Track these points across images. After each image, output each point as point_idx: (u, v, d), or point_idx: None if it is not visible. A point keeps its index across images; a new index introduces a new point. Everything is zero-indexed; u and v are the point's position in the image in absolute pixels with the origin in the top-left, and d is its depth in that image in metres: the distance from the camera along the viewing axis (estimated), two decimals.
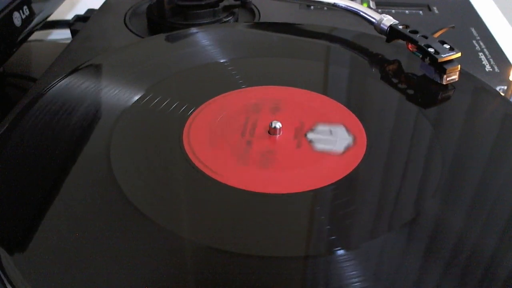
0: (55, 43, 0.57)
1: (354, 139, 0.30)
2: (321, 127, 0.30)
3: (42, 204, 0.26)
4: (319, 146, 0.29)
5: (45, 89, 0.34)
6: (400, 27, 0.38)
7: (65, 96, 0.33)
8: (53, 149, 0.29)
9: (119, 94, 0.34)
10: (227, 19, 0.47)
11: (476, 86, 0.36)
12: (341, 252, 0.23)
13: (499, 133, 0.32)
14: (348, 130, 0.30)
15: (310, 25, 0.44)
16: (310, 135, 0.30)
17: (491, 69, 0.42)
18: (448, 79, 0.35)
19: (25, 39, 0.44)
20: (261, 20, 0.49)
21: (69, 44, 0.45)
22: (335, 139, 0.30)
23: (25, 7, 0.43)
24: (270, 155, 0.29)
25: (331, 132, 0.30)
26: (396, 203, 0.27)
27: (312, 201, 0.27)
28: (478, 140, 0.31)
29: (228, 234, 0.25)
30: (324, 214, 0.26)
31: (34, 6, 0.45)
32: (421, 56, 0.36)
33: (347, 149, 0.29)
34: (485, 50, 0.44)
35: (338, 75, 0.38)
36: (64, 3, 0.52)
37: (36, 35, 0.53)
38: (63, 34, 0.57)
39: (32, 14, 0.44)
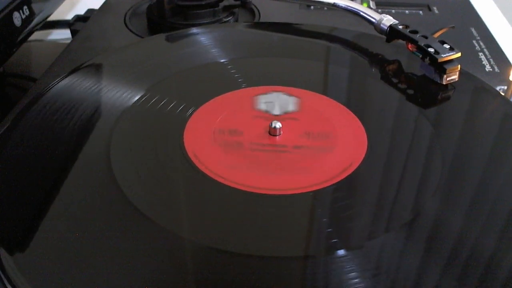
0: (55, 43, 0.57)
1: (298, 109, 0.30)
2: (264, 98, 0.30)
3: (42, 204, 0.26)
4: (276, 112, 0.30)
5: (45, 89, 0.34)
6: (400, 27, 0.38)
7: (65, 96, 0.33)
8: (53, 149, 0.29)
9: (119, 94, 0.34)
10: (227, 19, 0.47)
11: (476, 86, 0.36)
12: (341, 252, 0.23)
13: (499, 133, 0.32)
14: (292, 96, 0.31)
15: (310, 25, 0.44)
16: (261, 106, 0.30)
17: (491, 69, 0.42)
18: (448, 79, 0.35)
19: (25, 39, 0.44)
20: (261, 20, 0.49)
21: (69, 44, 0.45)
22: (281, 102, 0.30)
23: (25, 7, 0.43)
24: (270, 155, 0.29)
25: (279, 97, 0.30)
26: (396, 203, 0.27)
27: (312, 201, 0.27)
28: (478, 140, 0.31)
29: (228, 234, 0.25)
30: (324, 214, 0.26)
31: (34, 6, 0.45)
32: (421, 56, 0.36)
33: (298, 104, 0.30)
34: (485, 50, 0.44)
35: (338, 75, 0.38)
36: (64, 3, 0.52)
37: (36, 35, 0.53)
38: (63, 34, 0.57)
39: (32, 14, 0.44)
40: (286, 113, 0.30)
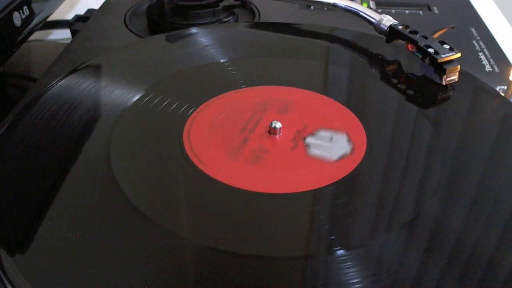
0: (55, 43, 0.57)
1: (353, 149, 0.30)
2: (322, 133, 0.30)
3: (42, 204, 0.26)
4: (314, 151, 0.29)
5: (45, 89, 0.34)
6: (400, 27, 0.38)
7: (65, 96, 0.33)
8: (53, 149, 0.29)
9: (119, 94, 0.34)
10: (227, 19, 0.47)
11: (476, 86, 0.36)
12: (341, 252, 0.23)
13: (499, 133, 0.32)
14: (349, 139, 0.30)
15: (310, 25, 0.44)
16: (309, 140, 0.30)
17: (491, 69, 0.42)
18: (448, 79, 0.35)
19: (25, 39, 0.44)
20: (261, 20, 0.49)
21: (69, 44, 0.45)
22: (333, 146, 0.30)
23: (25, 7, 0.43)
24: (270, 155, 0.29)
25: (331, 139, 0.30)
26: (396, 203, 0.27)
27: (312, 201, 0.27)
28: (478, 140, 0.31)
29: (228, 234, 0.25)
30: (324, 214, 0.26)
31: (34, 6, 0.45)
32: (420, 56, 0.36)
33: (342, 157, 0.29)
34: (485, 50, 0.44)
35: (338, 75, 0.38)
36: (64, 3, 0.52)
37: (36, 35, 0.53)
38: (63, 34, 0.57)
39: (32, 14, 0.44)
40: (344, 157, 0.29)
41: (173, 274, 0.23)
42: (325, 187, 0.27)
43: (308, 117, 0.32)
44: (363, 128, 0.31)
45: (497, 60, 0.43)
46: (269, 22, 0.47)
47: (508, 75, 0.41)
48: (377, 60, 0.39)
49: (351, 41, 0.41)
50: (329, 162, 0.29)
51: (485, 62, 0.43)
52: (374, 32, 0.40)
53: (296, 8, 0.52)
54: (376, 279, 0.22)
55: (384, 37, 0.39)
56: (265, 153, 0.30)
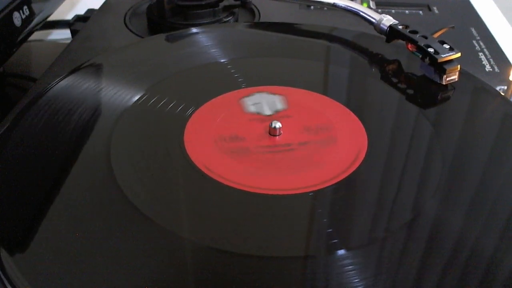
0: (55, 43, 0.57)
1: (287, 107, 0.30)
2: (249, 100, 0.31)
3: (42, 204, 0.26)
4: (267, 112, 0.30)
5: (45, 89, 0.34)
6: (400, 27, 0.38)
7: (65, 96, 0.33)
8: (53, 149, 0.29)
9: (119, 94, 0.34)
10: (227, 19, 0.47)
11: (476, 86, 0.36)
12: (341, 252, 0.23)
13: (499, 133, 0.32)
14: (284, 100, 0.31)
15: (310, 25, 0.44)
16: (251, 109, 0.30)
17: (491, 69, 0.42)
18: (447, 79, 0.35)
19: (25, 39, 0.44)
20: (261, 20, 0.49)
21: (69, 44, 0.45)
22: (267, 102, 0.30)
23: (25, 7, 0.43)
24: (270, 155, 0.29)
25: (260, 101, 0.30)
26: (396, 203, 0.27)
27: (312, 201, 0.27)
28: (478, 140, 0.31)
29: (228, 234, 0.25)
30: (324, 214, 0.26)
31: (34, 6, 0.45)
32: (420, 56, 0.36)
33: (276, 112, 0.30)
34: (485, 50, 0.44)
35: (338, 75, 0.38)
36: (64, 3, 0.52)
37: (36, 35, 0.53)
38: (63, 34, 0.57)
39: (32, 14, 0.44)
40: (276, 112, 0.30)
41: (173, 274, 0.23)
42: (325, 187, 0.27)
43: (308, 117, 0.32)
44: (363, 128, 0.31)
45: (497, 60, 0.43)
46: (269, 22, 0.47)
47: (508, 75, 0.41)
48: (377, 60, 0.39)
49: (351, 41, 0.41)
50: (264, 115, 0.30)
51: (485, 62, 0.43)
52: (374, 32, 0.40)
53: (296, 8, 0.52)
54: (376, 279, 0.22)
55: (384, 37, 0.39)
56: (265, 153, 0.30)
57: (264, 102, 0.31)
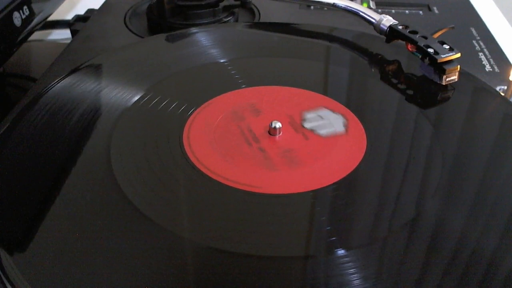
0: (55, 43, 0.57)
1: (344, 116, 0.30)
2: (309, 115, 0.30)
3: (42, 204, 0.26)
4: (323, 132, 0.29)
5: (45, 89, 0.34)
6: (400, 27, 0.38)
7: (65, 96, 0.33)
8: (53, 149, 0.29)
9: (119, 94, 0.34)
10: (227, 19, 0.47)
11: (476, 86, 0.36)
12: (341, 252, 0.23)
13: (499, 133, 0.32)
14: (332, 110, 0.30)
15: (310, 25, 0.44)
16: (307, 124, 0.30)
17: (491, 69, 0.42)
18: (447, 79, 0.35)
19: (25, 39, 0.44)
20: (261, 20, 0.49)
21: (69, 44, 0.45)
22: (329, 121, 0.30)
23: (25, 7, 0.43)
24: (270, 155, 0.29)
25: (321, 117, 0.30)
26: (396, 203, 0.27)
27: (312, 201, 0.27)
28: (478, 140, 0.31)
29: (228, 234, 0.25)
30: (324, 214, 0.26)
31: (34, 6, 0.45)
32: (420, 56, 0.36)
33: (346, 126, 0.30)
34: (485, 50, 0.44)
35: (338, 75, 0.38)
36: (64, 3, 0.52)
37: (36, 35, 0.53)
38: (63, 34, 0.57)
39: (32, 14, 0.44)
40: (334, 134, 0.29)
41: (173, 274, 0.23)
42: (325, 187, 0.27)
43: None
44: (363, 128, 0.31)
45: (497, 60, 0.43)
46: (269, 22, 0.47)
47: (508, 75, 0.41)
48: (377, 60, 0.39)
49: (351, 41, 0.41)
50: (342, 134, 0.30)
51: (485, 62, 0.43)
52: (374, 32, 0.40)
53: (296, 8, 0.52)
54: (376, 279, 0.22)
55: (384, 37, 0.39)
56: (265, 153, 0.30)
57: (324, 121, 0.30)
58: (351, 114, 0.33)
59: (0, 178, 0.27)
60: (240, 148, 0.30)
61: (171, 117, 0.32)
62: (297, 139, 0.31)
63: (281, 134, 0.31)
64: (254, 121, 0.32)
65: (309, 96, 0.35)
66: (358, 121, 0.32)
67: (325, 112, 0.30)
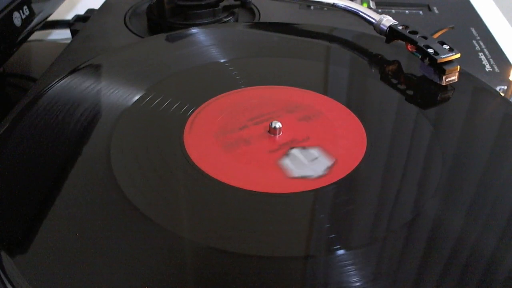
0: (55, 43, 0.57)
1: (322, 176, 0.28)
2: (313, 151, 0.29)
3: (42, 204, 0.26)
4: (285, 161, 0.29)
5: (45, 89, 0.34)
6: (400, 27, 0.38)
7: (65, 96, 0.33)
8: (53, 149, 0.29)
9: (119, 94, 0.34)
10: (227, 19, 0.47)
11: (476, 86, 0.36)
12: (341, 252, 0.23)
13: (499, 133, 0.32)
14: (331, 167, 0.28)
15: (310, 25, 0.44)
16: (294, 151, 0.29)
17: (491, 69, 0.42)
18: (447, 79, 0.35)
19: (25, 39, 0.44)
20: (261, 20, 0.49)
21: (69, 44, 0.45)
22: (307, 166, 0.29)
23: (25, 7, 0.43)
24: (270, 154, 0.29)
25: (315, 159, 0.29)
26: (396, 203, 0.27)
27: (312, 201, 0.27)
28: (478, 140, 0.31)
29: (228, 234, 0.25)
30: (324, 214, 0.26)
31: (34, 6, 0.45)
32: (420, 56, 0.36)
33: (302, 178, 0.28)
34: (485, 50, 0.44)
35: (338, 75, 0.38)
36: (64, 3, 0.52)
37: (36, 35, 0.53)
38: (63, 34, 0.57)
39: (32, 14, 0.44)
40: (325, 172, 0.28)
41: (173, 274, 0.23)
42: (325, 187, 0.27)
43: (308, 118, 0.32)
44: (363, 128, 0.31)
45: (497, 60, 0.43)
46: (269, 22, 0.47)
47: (508, 75, 0.41)
48: (377, 60, 0.39)
49: (351, 41, 0.41)
50: (287, 176, 0.28)
51: (485, 62, 0.43)
52: (374, 32, 0.40)
53: (296, 8, 0.52)
54: (376, 279, 0.22)
55: (384, 37, 0.39)
56: (265, 153, 0.30)
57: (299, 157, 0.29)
58: (351, 114, 0.33)
59: (0, 178, 0.27)
60: (240, 148, 0.30)
61: (171, 117, 0.32)
62: (297, 139, 0.31)
63: (281, 134, 0.31)
64: (254, 121, 0.32)
65: (309, 96, 0.35)
66: (358, 121, 0.32)
67: (315, 152, 0.29)
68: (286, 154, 0.29)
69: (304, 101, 0.34)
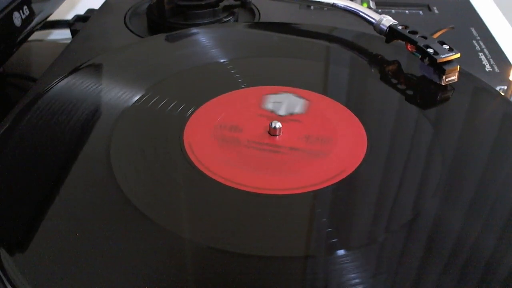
0: (55, 43, 0.57)
1: (304, 111, 0.30)
2: (273, 98, 0.30)
3: (42, 204, 0.26)
4: (268, 105, 0.29)
5: (45, 89, 0.34)
6: (400, 27, 0.38)
7: (65, 96, 0.33)
8: (53, 149, 0.29)
9: (119, 94, 0.34)
10: (227, 19, 0.47)
11: (476, 86, 0.36)
12: (341, 252, 0.23)
13: (499, 133, 0.32)
14: (306, 105, 0.30)
15: (310, 25, 0.44)
16: (266, 106, 0.30)
17: (491, 69, 0.42)
18: (447, 79, 0.35)
19: (25, 39, 0.44)
20: (261, 20, 0.49)
21: (69, 44, 0.45)
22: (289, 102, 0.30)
23: (25, 7, 0.43)
24: (270, 155, 0.29)
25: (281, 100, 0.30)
26: (396, 203, 0.27)
27: (312, 201, 0.27)
28: (478, 140, 0.31)
29: (228, 234, 0.25)
30: (324, 214, 0.26)
31: (34, 6, 0.45)
32: (420, 56, 0.36)
33: (306, 106, 0.29)
34: (485, 50, 0.44)
35: (338, 75, 0.38)
36: (64, 3, 0.52)
37: (36, 35, 0.53)
38: (63, 34, 0.57)
39: (32, 14, 0.44)
40: (291, 114, 0.30)
41: (173, 274, 0.23)
42: (325, 187, 0.27)
43: (309, 117, 0.32)
44: (363, 128, 0.31)
45: (497, 60, 0.43)
46: (269, 22, 0.47)
47: (508, 75, 0.41)
48: (377, 60, 0.39)
49: (351, 41, 0.41)
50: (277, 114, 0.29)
51: (485, 62, 0.43)
52: (374, 32, 0.40)
53: (296, 8, 0.52)
54: (376, 279, 0.22)
55: (384, 37, 0.39)
56: (265, 153, 0.30)
57: (285, 102, 0.31)
58: (351, 114, 0.33)
59: (0, 178, 0.27)
60: (240, 148, 0.30)
61: (171, 117, 0.32)
62: (297, 139, 0.31)
63: (281, 134, 0.31)
64: (254, 121, 0.32)
65: (309, 96, 0.35)
66: (358, 121, 0.32)
67: (286, 96, 0.30)
68: (264, 102, 0.30)
69: (312, 104, 0.34)
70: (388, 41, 0.39)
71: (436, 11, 0.52)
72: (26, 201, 0.26)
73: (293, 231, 0.25)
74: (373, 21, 0.40)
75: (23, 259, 0.23)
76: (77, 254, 0.23)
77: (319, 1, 0.43)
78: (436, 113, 0.34)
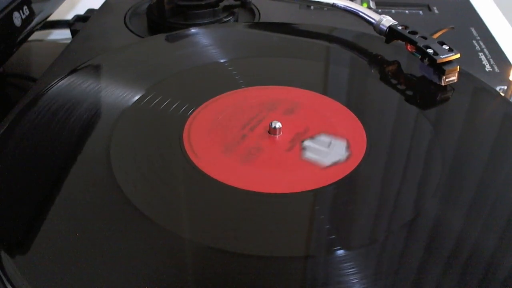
0: (55, 43, 0.57)
1: (348, 157, 0.29)
2: (323, 138, 0.30)
3: (42, 204, 0.26)
4: (308, 154, 0.29)
5: (45, 89, 0.34)
6: (399, 27, 0.38)
7: (65, 96, 0.33)
8: (53, 149, 0.29)
9: (119, 94, 0.34)
10: (227, 19, 0.47)
11: (476, 86, 0.36)
12: (341, 252, 0.23)
13: (499, 133, 0.32)
14: (348, 146, 0.30)
15: (310, 25, 0.44)
16: (307, 143, 0.30)
17: (491, 69, 0.42)
18: (447, 80, 0.35)
19: (25, 39, 0.44)
20: (261, 20, 0.49)
21: (69, 44, 0.45)
22: (329, 152, 0.29)
23: (25, 7, 0.43)
24: (270, 155, 0.29)
25: (330, 144, 0.29)
26: (396, 203, 0.27)
27: (312, 201, 0.27)
28: (478, 140, 0.31)
29: (228, 234, 0.25)
30: (324, 214, 0.26)
31: (34, 6, 0.45)
32: (420, 57, 0.36)
33: (334, 164, 0.29)
34: (485, 50, 0.44)
35: (338, 75, 0.38)
36: (64, 3, 0.52)
37: (36, 35, 0.53)
38: (63, 34, 0.57)
39: (32, 14, 0.44)
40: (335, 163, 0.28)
41: (173, 274, 0.23)
42: (325, 187, 0.27)
43: (309, 118, 0.32)
44: (363, 128, 0.31)
45: (497, 60, 0.43)
46: (269, 22, 0.47)
47: (508, 75, 0.41)
48: (377, 61, 0.39)
49: (351, 41, 0.41)
50: (320, 167, 0.28)
51: (485, 62, 0.43)
52: (374, 32, 0.40)
53: (296, 8, 0.52)
54: (376, 279, 0.22)
55: (384, 37, 0.39)
56: (265, 153, 0.30)
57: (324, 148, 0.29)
58: (351, 114, 0.33)
59: (0, 178, 0.27)
60: (240, 148, 0.30)
61: (171, 117, 0.32)
62: (297, 139, 0.31)
63: (281, 134, 0.31)
64: (254, 121, 0.32)
65: (309, 96, 0.35)
66: (358, 121, 0.32)
67: (337, 143, 0.30)
68: (303, 148, 0.29)
69: (305, 102, 0.34)
70: (388, 41, 0.39)
71: (436, 11, 0.52)
72: (26, 201, 0.26)
73: (293, 231, 0.25)
74: (373, 21, 0.40)
75: (23, 259, 0.23)
76: (77, 254, 0.23)
77: (319, 1, 0.43)
78: (436, 113, 0.34)
